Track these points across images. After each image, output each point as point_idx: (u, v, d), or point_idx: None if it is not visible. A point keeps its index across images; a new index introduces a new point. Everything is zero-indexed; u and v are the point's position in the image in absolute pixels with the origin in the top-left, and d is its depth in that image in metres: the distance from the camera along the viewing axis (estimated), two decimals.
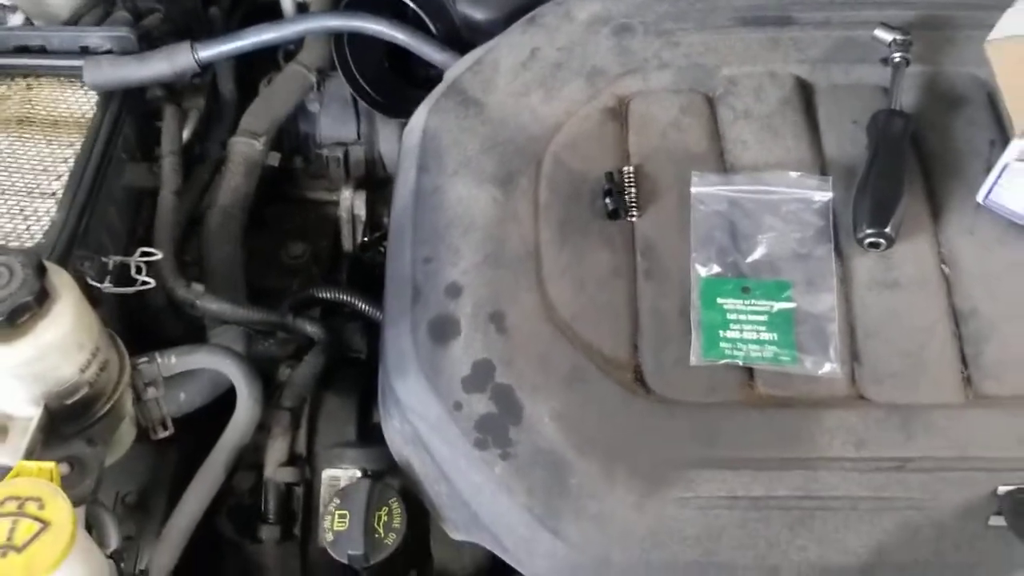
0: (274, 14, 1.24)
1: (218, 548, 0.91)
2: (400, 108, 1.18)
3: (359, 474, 0.91)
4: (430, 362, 0.77)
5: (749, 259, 0.81)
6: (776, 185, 0.83)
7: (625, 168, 0.86)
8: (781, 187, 0.83)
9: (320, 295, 1.04)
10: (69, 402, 0.78)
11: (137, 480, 0.94)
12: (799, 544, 0.71)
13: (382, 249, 1.15)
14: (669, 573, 0.71)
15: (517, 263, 0.81)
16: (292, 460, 0.92)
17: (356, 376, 0.99)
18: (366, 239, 1.16)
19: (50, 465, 0.73)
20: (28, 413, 0.76)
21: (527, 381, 0.76)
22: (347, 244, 1.18)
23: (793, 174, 0.84)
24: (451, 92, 0.93)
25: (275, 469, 0.91)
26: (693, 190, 0.84)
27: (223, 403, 0.93)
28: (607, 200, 0.83)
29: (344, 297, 1.03)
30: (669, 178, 0.86)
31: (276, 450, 0.91)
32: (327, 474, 0.92)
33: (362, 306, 1.03)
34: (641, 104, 0.91)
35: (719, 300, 0.79)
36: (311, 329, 0.99)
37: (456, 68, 0.96)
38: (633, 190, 0.84)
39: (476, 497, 0.74)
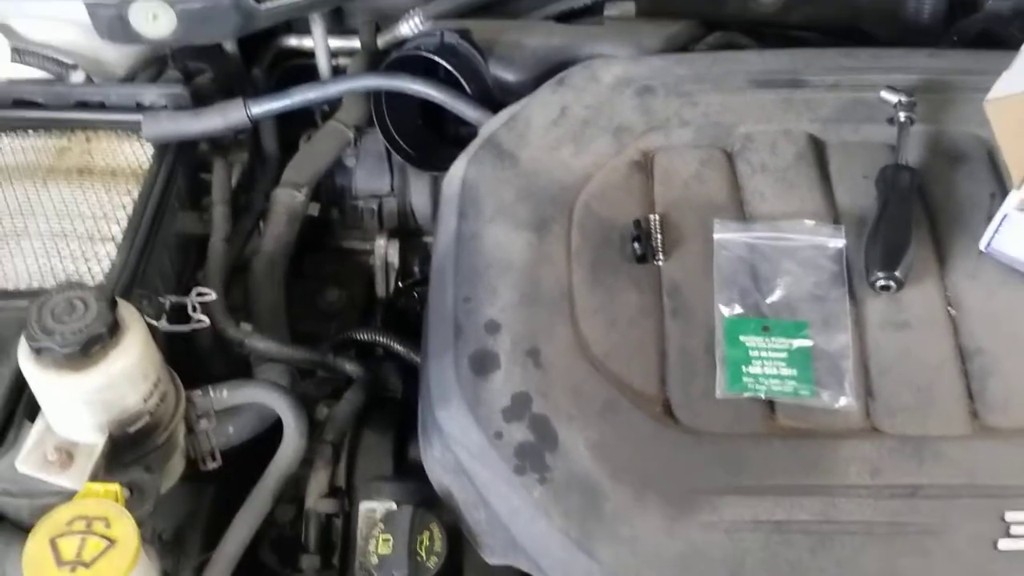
0: (310, 74, 1.32)
1: None
2: (432, 162, 1.25)
3: (395, 506, 0.95)
4: (472, 393, 0.82)
5: (769, 300, 0.86)
6: (793, 233, 0.90)
7: (651, 216, 0.92)
8: (798, 234, 0.89)
9: (358, 337, 1.10)
10: (131, 430, 0.83)
11: (174, 518, 0.98)
12: (819, 566, 0.75)
13: (416, 295, 1.22)
14: None
15: (552, 303, 0.87)
16: (332, 492, 0.96)
17: (392, 414, 1.04)
18: (400, 285, 1.22)
19: (115, 487, 0.78)
20: (93, 440, 0.81)
21: (563, 412, 0.81)
22: (380, 290, 1.24)
23: (809, 222, 0.90)
24: (487, 146, 1.00)
25: (316, 500, 0.95)
26: (716, 236, 0.90)
27: (256, 445, 0.98)
28: (635, 245, 0.89)
29: (380, 339, 1.09)
30: (692, 225, 0.92)
31: (318, 482, 0.95)
32: (364, 506, 0.96)
33: (398, 347, 1.09)
34: (664, 158, 0.98)
35: (742, 338, 0.84)
36: (350, 368, 1.04)
37: (491, 124, 1.03)
38: (659, 236, 0.90)
39: (514, 521, 0.78)
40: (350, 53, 1.32)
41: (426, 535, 0.82)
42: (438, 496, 0.87)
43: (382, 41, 1.29)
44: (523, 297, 0.87)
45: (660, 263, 0.90)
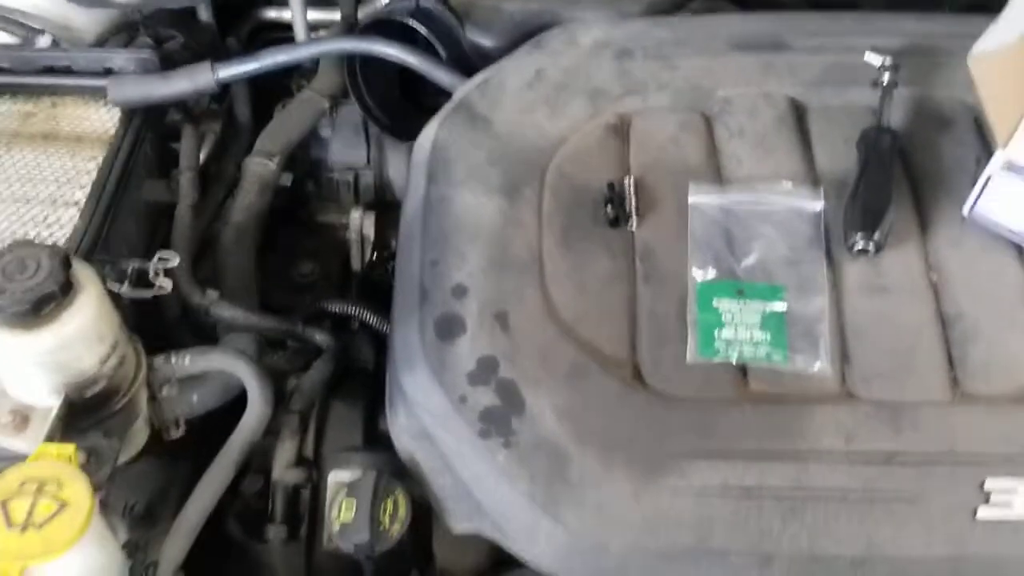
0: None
1: (223, 551, 0.93)
2: (410, 133, 1.23)
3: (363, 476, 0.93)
4: (437, 358, 0.80)
5: (743, 264, 0.84)
6: (770, 195, 0.87)
7: (626, 179, 0.89)
8: (774, 197, 0.87)
9: (330, 308, 1.07)
10: (88, 394, 0.81)
11: (145, 491, 0.96)
12: (791, 533, 0.73)
13: (390, 268, 1.19)
14: (665, 559, 0.73)
15: (521, 267, 0.85)
16: (299, 463, 0.94)
17: (363, 385, 1.02)
18: (375, 258, 1.20)
19: (69, 449, 0.75)
20: (48, 403, 0.79)
21: (530, 376, 0.79)
22: (356, 264, 1.21)
23: (786, 185, 0.88)
24: (459, 109, 0.97)
25: (283, 471, 0.93)
26: (691, 199, 0.87)
27: (229, 418, 0.95)
28: (608, 209, 0.87)
29: (352, 310, 1.06)
30: (667, 189, 0.90)
31: (284, 452, 0.93)
32: (333, 477, 0.94)
33: (370, 318, 1.06)
34: (641, 122, 0.96)
35: (715, 302, 0.82)
36: (320, 338, 1.02)
37: (464, 88, 1.01)
38: (633, 200, 0.88)
39: (479, 486, 0.76)
40: (331, 26, 1.30)
41: (390, 502, 0.80)
42: (402, 467, 0.85)
43: (363, 13, 1.27)
44: (492, 261, 0.85)
45: (633, 227, 0.87)
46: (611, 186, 0.88)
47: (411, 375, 0.81)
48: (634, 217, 0.87)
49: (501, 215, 0.88)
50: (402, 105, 1.26)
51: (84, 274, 0.79)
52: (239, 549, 0.92)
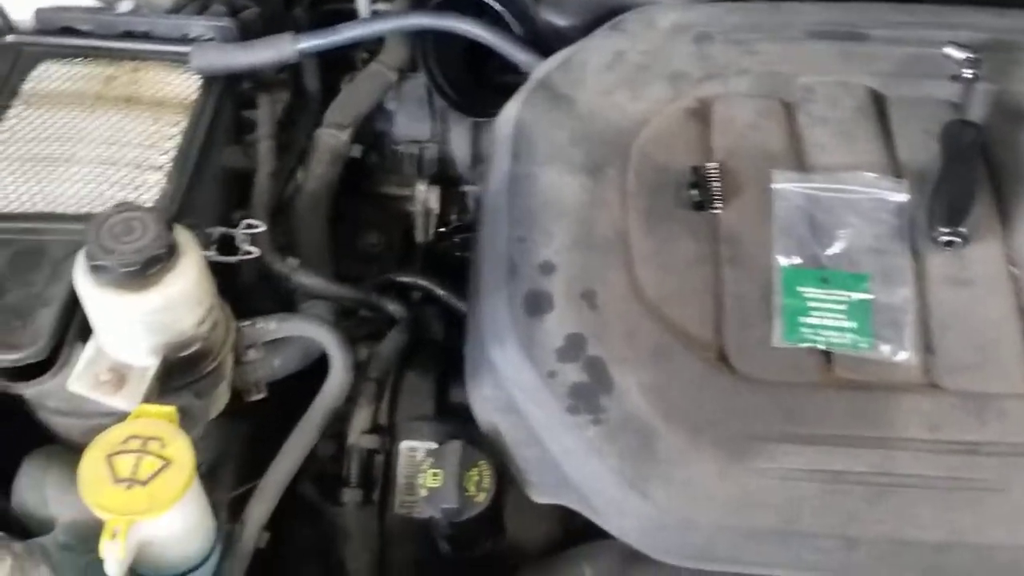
0: (348, 18, 1.30)
1: (297, 513, 0.95)
2: (476, 108, 1.24)
3: (435, 446, 0.95)
4: (526, 333, 0.81)
5: (828, 252, 0.85)
6: (854, 185, 0.88)
7: (709, 164, 0.91)
8: (859, 187, 0.88)
9: (399, 279, 1.09)
10: (183, 355, 0.83)
11: (210, 451, 0.98)
12: (876, 518, 0.74)
13: (456, 241, 1.21)
14: (751, 538, 0.75)
15: (606, 246, 0.86)
16: (374, 429, 0.96)
17: (433, 356, 1.04)
18: (442, 230, 1.21)
19: (170, 409, 0.77)
20: (146, 362, 0.81)
21: (617, 354, 0.80)
22: (420, 236, 1.23)
23: (870, 175, 0.89)
24: (541, 88, 0.98)
25: (359, 436, 0.95)
26: (774, 185, 0.89)
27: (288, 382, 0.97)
28: (693, 192, 0.88)
29: (422, 282, 1.08)
30: (750, 175, 0.91)
31: (361, 418, 0.95)
32: (405, 445, 0.97)
33: (439, 292, 1.08)
34: (722, 106, 0.96)
35: (799, 288, 0.83)
36: (393, 308, 1.04)
37: (544, 66, 1.02)
38: (717, 184, 0.89)
39: (568, 460, 0.78)
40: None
41: (475, 471, 0.82)
42: (480, 438, 0.87)
43: None
44: (577, 240, 0.86)
45: (718, 211, 0.88)
46: (696, 169, 0.89)
47: (500, 349, 0.82)
48: (718, 201, 0.88)
49: (585, 194, 0.89)
50: (468, 80, 1.27)
51: (184, 238, 0.81)
52: (313, 511, 0.95)
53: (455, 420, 0.99)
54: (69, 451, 0.94)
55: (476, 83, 1.28)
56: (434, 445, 0.96)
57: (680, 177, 0.90)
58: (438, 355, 1.03)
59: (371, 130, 1.27)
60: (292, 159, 1.17)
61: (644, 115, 0.95)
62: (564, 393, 0.78)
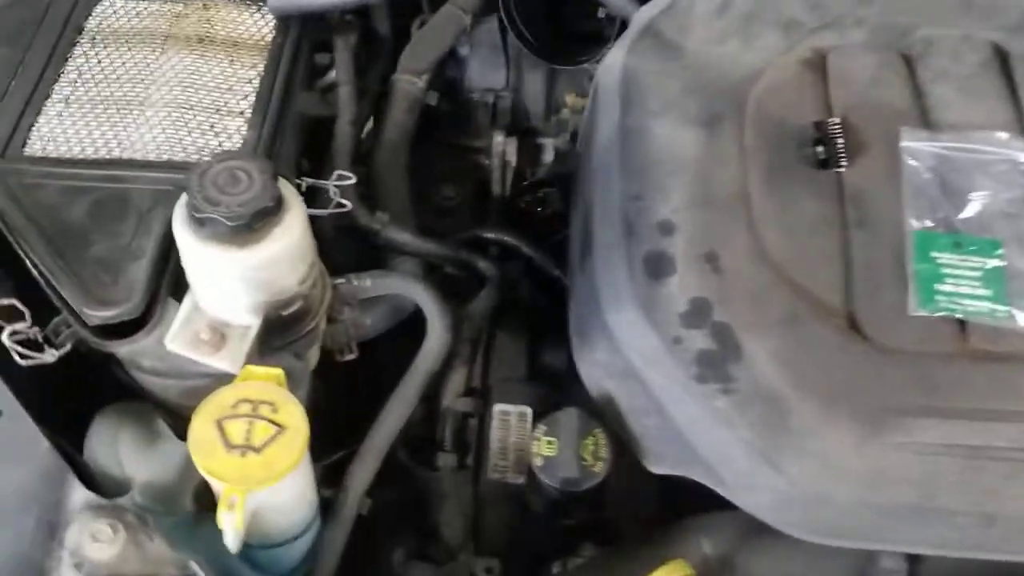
0: None
1: (389, 476, 0.92)
2: (554, 54, 1.19)
3: (528, 410, 0.92)
4: (647, 296, 0.77)
5: (961, 215, 0.81)
6: (985, 145, 0.84)
7: (830, 119, 0.86)
8: (990, 147, 0.83)
9: (485, 236, 1.04)
10: (284, 314, 0.79)
11: None
12: (1014, 493, 0.71)
13: (541, 195, 1.16)
14: (888, 514, 0.72)
15: (727, 205, 0.82)
16: (468, 392, 0.93)
17: (522, 316, 1.00)
18: (524, 184, 1.16)
19: (277, 371, 0.74)
20: (246, 321, 0.77)
21: (744, 320, 0.76)
22: (496, 189, 1.18)
23: (1002, 135, 0.84)
24: (647, 34, 0.93)
25: (454, 399, 0.91)
26: (903, 144, 0.84)
27: None
28: (818, 149, 0.83)
29: (511, 240, 1.03)
30: (874, 132, 0.86)
31: (455, 381, 0.92)
32: (498, 408, 0.93)
33: (528, 250, 1.04)
34: (839, 58, 0.91)
35: (932, 253, 0.79)
36: (484, 266, 0.99)
37: (646, 12, 0.96)
38: (840, 141, 0.84)
39: (694, 430, 0.75)
40: None
41: (591, 440, 0.79)
42: (587, 404, 0.84)
43: None
44: (696, 197, 0.82)
45: (842, 169, 0.84)
46: (819, 125, 0.85)
47: (618, 313, 0.78)
48: (843, 159, 0.84)
49: (702, 148, 0.85)
50: (546, 26, 1.21)
51: (289, 191, 0.76)
52: (406, 474, 0.92)
53: (548, 383, 0.96)
54: (142, 408, 0.91)
55: (553, 29, 1.22)
56: (527, 409, 0.93)
57: (800, 133, 0.85)
58: (528, 315, 0.99)
59: (442, 77, 1.22)
60: (366, 106, 1.12)
61: (758, 65, 0.90)
62: (691, 360, 0.75)
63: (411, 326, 0.94)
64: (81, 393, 0.87)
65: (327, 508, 0.82)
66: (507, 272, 1.03)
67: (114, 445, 0.91)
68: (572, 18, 1.21)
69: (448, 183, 1.17)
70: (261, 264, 0.73)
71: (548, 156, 1.19)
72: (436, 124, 1.23)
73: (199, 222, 0.71)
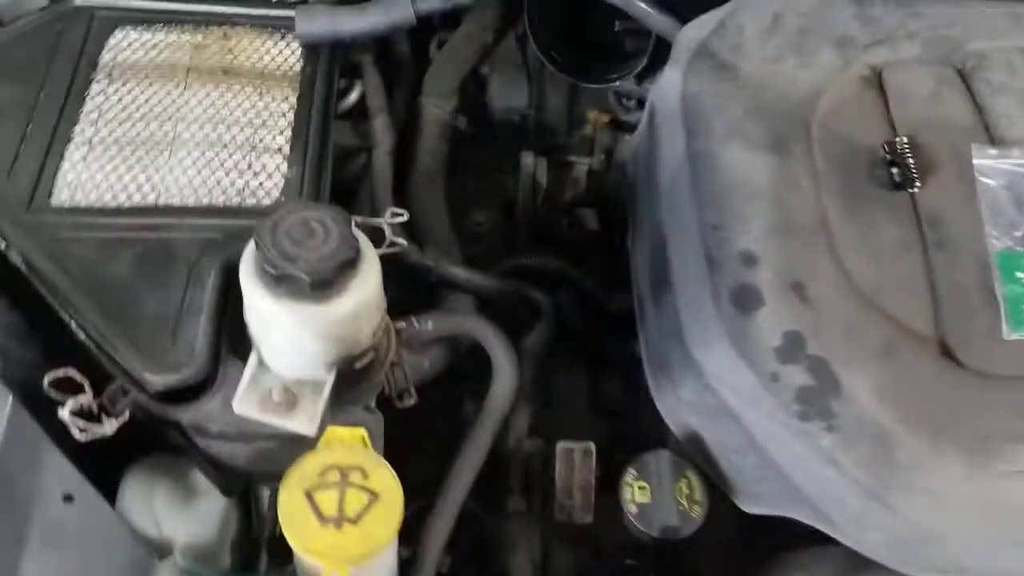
0: None
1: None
2: (578, 71, 1.15)
3: (592, 446, 0.89)
4: (738, 331, 0.74)
5: None
6: None
7: (899, 139, 0.84)
8: None
9: (532, 263, 1.01)
10: (357, 366, 0.74)
11: None
12: None
13: (575, 216, 1.12)
14: (1005, 547, 0.70)
15: (807, 232, 0.79)
16: (532, 431, 0.89)
17: (578, 347, 0.97)
18: (559, 205, 1.13)
19: (361, 431, 0.69)
20: (318, 377, 0.72)
21: (840, 353, 0.74)
22: (527, 211, 1.14)
23: None
24: (702, 55, 0.90)
25: (519, 440, 0.88)
26: (976, 162, 0.82)
27: None
28: (893, 170, 0.81)
29: (561, 268, 1.00)
30: (941, 150, 0.84)
31: (520, 421, 0.88)
32: (561, 446, 0.90)
33: (575, 275, 1.00)
34: (895, 75, 0.89)
35: (1018, 274, 0.78)
36: (539, 298, 0.96)
37: (696, 32, 0.93)
38: (911, 161, 0.83)
39: (799, 470, 0.72)
40: None
41: (684, 483, 0.76)
42: (647, 436, 0.81)
43: None
44: (775, 226, 0.79)
45: (915, 190, 0.82)
46: (890, 146, 0.83)
47: (707, 349, 0.76)
48: (916, 179, 0.82)
49: (774, 174, 0.82)
50: (568, 42, 1.17)
51: (361, 238, 0.71)
52: (474, 520, 0.87)
53: (609, 417, 0.93)
54: (175, 461, 0.86)
55: (574, 43, 1.19)
56: (591, 445, 0.89)
57: (869, 153, 0.84)
58: (583, 347, 0.96)
59: (465, 97, 1.17)
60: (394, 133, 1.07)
61: (817, 85, 0.88)
62: (791, 398, 0.72)
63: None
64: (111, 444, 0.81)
65: (404, 567, 0.78)
66: (557, 301, 1.00)
67: (149, 502, 0.86)
68: (594, 32, 1.18)
69: (478, 207, 1.13)
70: (342, 319, 0.69)
71: (578, 174, 1.16)
72: (460, 146, 1.19)
73: (275, 279, 0.66)
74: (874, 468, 0.70)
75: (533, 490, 0.88)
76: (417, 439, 0.87)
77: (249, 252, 0.69)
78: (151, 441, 0.84)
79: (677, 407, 0.79)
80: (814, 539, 0.76)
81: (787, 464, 0.73)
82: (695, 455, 0.78)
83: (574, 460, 0.89)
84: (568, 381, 0.94)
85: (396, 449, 0.87)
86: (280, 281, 0.66)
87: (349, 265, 0.67)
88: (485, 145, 1.19)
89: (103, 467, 0.78)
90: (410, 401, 0.85)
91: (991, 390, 0.74)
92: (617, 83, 1.12)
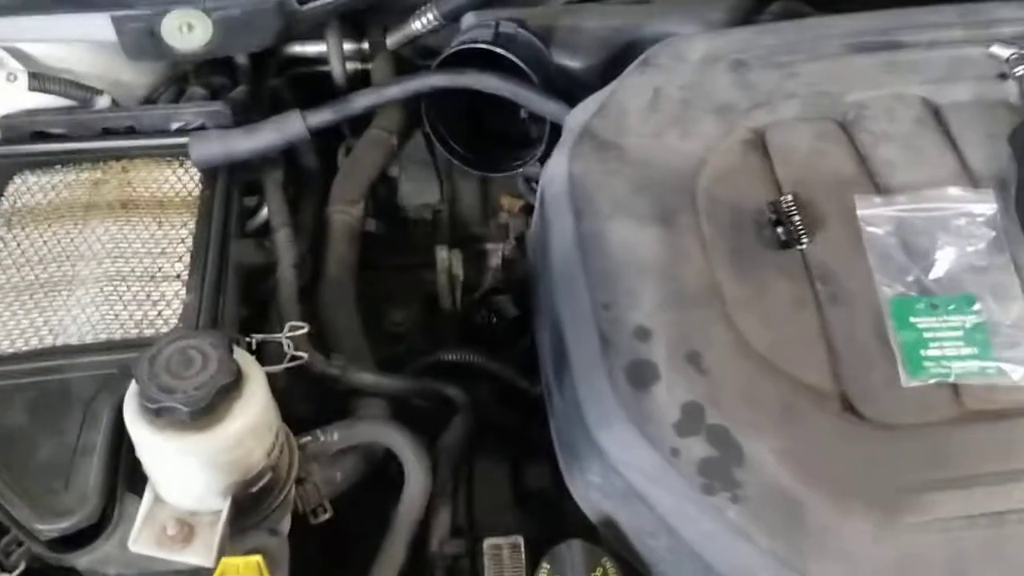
0: (319, 82, 1.23)
1: None
2: (483, 163, 1.17)
3: (520, 540, 0.87)
4: (636, 409, 0.74)
5: (931, 276, 0.80)
6: (939, 202, 0.84)
7: (782, 197, 0.85)
8: (945, 203, 0.83)
9: (447, 359, 1.00)
10: (254, 490, 0.73)
11: None
12: None
13: (490, 306, 1.12)
14: None
15: (699, 300, 0.79)
16: (455, 531, 0.87)
17: (500, 440, 0.96)
18: (476, 296, 1.13)
19: (255, 559, 0.68)
20: (214, 506, 0.71)
21: (740, 420, 0.73)
22: (446, 305, 1.14)
23: (952, 190, 0.84)
24: (585, 138, 0.91)
25: (441, 542, 0.86)
26: (860, 212, 0.83)
27: None
28: (778, 230, 0.82)
29: (475, 359, 0.99)
30: (827, 203, 0.85)
31: (441, 522, 0.86)
32: (488, 543, 0.88)
33: (493, 366, 1.00)
34: (777, 134, 0.91)
35: (912, 319, 0.78)
36: (453, 392, 0.95)
37: (579, 115, 0.95)
38: (797, 218, 0.83)
39: (709, 546, 0.71)
40: (359, 57, 1.24)
41: (599, 571, 0.74)
42: (572, 526, 0.79)
43: (392, 40, 1.21)
44: (667, 297, 0.79)
45: (803, 247, 0.82)
46: (774, 205, 0.84)
47: (609, 431, 0.75)
48: (803, 236, 0.82)
49: (663, 246, 0.83)
50: (473, 137, 1.19)
51: (244, 358, 0.71)
52: None
53: (536, 508, 0.91)
54: None
55: (477, 135, 1.21)
56: (519, 539, 0.87)
57: (756, 215, 0.84)
58: (505, 437, 0.95)
59: (375, 200, 1.19)
60: (304, 241, 1.08)
61: (700, 153, 0.89)
62: (694, 471, 0.71)
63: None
64: None
65: None
66: (475, 393, 0.99)
67: None
68: (495, 123, 1.20)
69: (395, 307, 1.12)
70: (227, 445, 0.68)
71: (494, 262, 1.16)
72: (372, 248, 1.19)
73: (154, 412, 0.66)
74: (785, 536, 0.69)
75: None
76: (342, 553, 0.86)
77: (132, 388, 0.68)
78: None
79: (588, 491, 0.78)
80: None
81: (697, 542, 0.71)
82: (612, 540, 0.77)
83: (503, 557, 0.87)
84: (491, 474, 0.92)
85: (314, 566, 0.86)
86: (160, 413, 0.66)
87: (228, 390, 0.67)
88: (402, 244, 1.20)
89: None
90: (324, 516, 0.83)
91: (894, 441, 0.73)
92: (521, 169, 1.13)
